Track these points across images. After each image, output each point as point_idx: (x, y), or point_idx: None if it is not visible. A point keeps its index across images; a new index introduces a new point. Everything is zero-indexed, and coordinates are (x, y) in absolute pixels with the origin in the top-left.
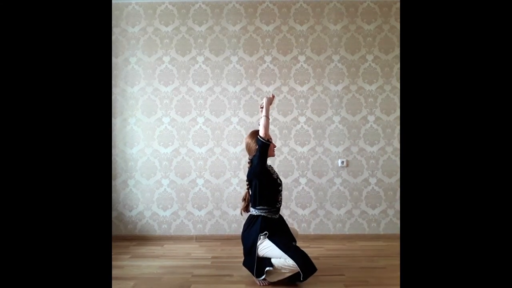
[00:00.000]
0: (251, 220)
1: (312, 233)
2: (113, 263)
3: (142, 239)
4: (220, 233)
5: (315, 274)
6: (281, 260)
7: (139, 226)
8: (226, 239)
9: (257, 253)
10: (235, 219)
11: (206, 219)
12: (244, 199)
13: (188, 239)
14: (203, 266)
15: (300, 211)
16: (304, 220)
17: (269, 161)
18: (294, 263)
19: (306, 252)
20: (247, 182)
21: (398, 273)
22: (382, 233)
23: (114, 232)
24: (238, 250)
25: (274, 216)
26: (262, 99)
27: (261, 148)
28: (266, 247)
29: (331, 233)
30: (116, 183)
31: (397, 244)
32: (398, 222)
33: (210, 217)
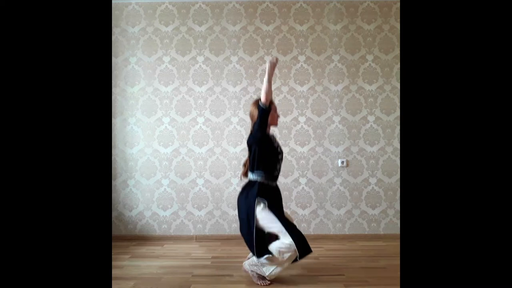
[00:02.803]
0: (248, 184)
1: (312, 233)
2: (113, 263)
3: (142, 239)
4: (220, 233)
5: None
6: (277, 243)
7: (139, 226)
8: (226, 239)
9: (256, 221)
10: (235, 219)
11: (206, 219)
12: (244, 165)
13: (188, 239)
14: (203, 266)
15: (300, 211)
16: (304, 220)
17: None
18: (291, 241)
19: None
20: (248, 148)
21: (398, 273)
22: (382, 233)
23: (114, 232)
24: (238, 250)
25: (271, 184)
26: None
27: (261, 114)
28: (265, 218)
29: (331, 233)
30: (116, 183)
31: (397, 244)
32: (398, 222)
33: (210, 217)
